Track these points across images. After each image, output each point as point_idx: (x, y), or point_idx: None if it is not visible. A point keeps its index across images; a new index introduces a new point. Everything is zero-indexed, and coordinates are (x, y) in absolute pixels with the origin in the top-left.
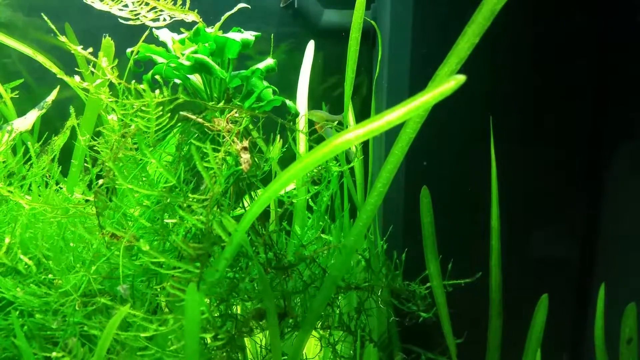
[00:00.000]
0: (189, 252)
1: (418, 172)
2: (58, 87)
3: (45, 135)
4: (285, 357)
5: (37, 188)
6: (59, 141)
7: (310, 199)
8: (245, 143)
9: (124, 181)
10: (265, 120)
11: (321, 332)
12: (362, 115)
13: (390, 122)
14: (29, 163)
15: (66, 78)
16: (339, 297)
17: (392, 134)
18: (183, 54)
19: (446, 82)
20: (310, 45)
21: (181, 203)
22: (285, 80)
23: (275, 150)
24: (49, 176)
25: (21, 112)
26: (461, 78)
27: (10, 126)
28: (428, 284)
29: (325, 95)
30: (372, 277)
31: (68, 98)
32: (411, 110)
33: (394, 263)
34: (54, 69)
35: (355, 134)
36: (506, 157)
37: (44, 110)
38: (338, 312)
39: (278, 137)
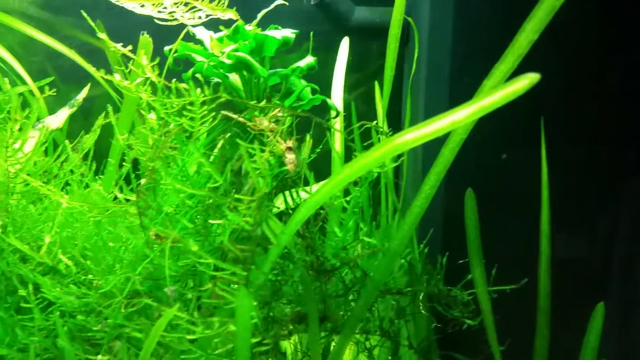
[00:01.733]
0: (236, 254)
1: (460, 173)
2: (89, 85)
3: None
4: None
5: (76, 187)
6: (90, 139)
7: (346, 202)
8: (290, 143)
9: (168, 180)
10: (296, 121)
11: (357, 336)
12: (390, 115)
13: (455, 122)
14: (58, 161)
15: (106, 77)
16: (377, 302)
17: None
18: (223, 52)
19: (518, 81)
20: (345, 43)
21: (228, 204)
22: (315, 79)
23: (306, 150)
24: (82, 175)
25: (50, 111)
26: (534, 76)
27: (42, 124)
28: (470, 290)
29: (356, 94)
30: (413, 281)
31: (93, 97)
32: (480, 109)
33: (436, 268)
34: (90, 68)
35: (415, 134)
36: (557, 158)
37: (74, 109)
38: (377, 316)
39: (309, 138)
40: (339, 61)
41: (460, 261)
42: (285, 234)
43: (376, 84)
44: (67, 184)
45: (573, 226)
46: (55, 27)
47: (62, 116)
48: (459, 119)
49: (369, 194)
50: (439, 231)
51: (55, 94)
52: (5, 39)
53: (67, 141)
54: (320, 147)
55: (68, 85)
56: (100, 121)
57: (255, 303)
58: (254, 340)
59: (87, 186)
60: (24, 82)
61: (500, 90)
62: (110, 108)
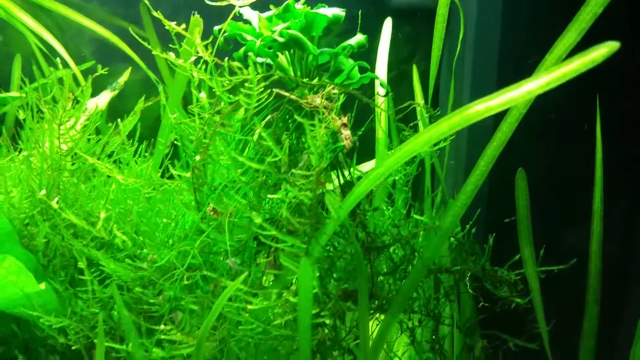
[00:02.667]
0: (295, 227)
1: (507, 152)
2: (130, 68)
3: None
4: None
5: (132, 163)
6: (130, 121)
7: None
8: (345, 119)
9: (225, 156)
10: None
11: (403, 316)
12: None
13: (531, 91)
14: (101, 142)
15: (163, 55)
16: (423, 281)
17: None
18: (273, 31)
19: (597, 49)
20: (388, 23)
21: (288, 178)
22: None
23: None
24: (133, 154)
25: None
26: (613, 44)
27: (85, 106)
28: (518, 270)
29: (398, 76)
30: (461, 260)
31: (131, 81)
32: (557, 78)
33: (485, 248)
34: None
35: (489, 104)
36: (612, 138)
37: (116, 91)
38: (424, 296)
39: (348, 115)
40: (383, 42)
41: (507, 242)
42: (343, 208)
43: (414, 67)
44: (114, 163)
45: (626, 208)
46: (94, 12)
47: (104, 99)
48: (534, 87)
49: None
50: (483, 211)
51: (105, 73)
52: (44, 23)
53: (118, 120)
54: (364, 127)
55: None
56: (141, 104)
57: (317, 274)
58: (314, 311)
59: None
60: (65, 65)
61: (579, 58)
62: (161, 88)
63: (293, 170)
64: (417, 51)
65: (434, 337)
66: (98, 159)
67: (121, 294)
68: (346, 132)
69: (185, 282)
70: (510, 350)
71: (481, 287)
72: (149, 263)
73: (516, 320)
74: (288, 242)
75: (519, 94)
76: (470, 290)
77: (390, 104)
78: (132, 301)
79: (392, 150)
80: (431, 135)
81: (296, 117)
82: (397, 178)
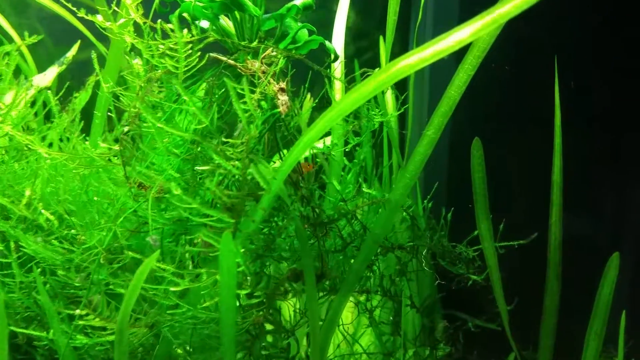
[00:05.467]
0: (224, 201)
1: (466, 120)
2: (79, 42)
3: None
4: (320, 323)
5: (58, 140)
6: (81, 97)
7: (345, 156)
8: (283, 84)
9: (154, 122)
10: (293, 74)
11: (357, 296)
12: None
13: (460, 40)
14: (48, 121)
15: (87, 17)
16: (378, 259)
17: (437, 81)
18: None
19: None
20: None
21: (215, 148)
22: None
23: (306, 106)
24: (70, 132)
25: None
26: None
27: (29, 82)
28: (476, 247)
29: (354, 53)
30: (416, 237)
31: (88, 57)
32: (486, 24)
33: (440, 222)
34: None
35: (418, 57)
36: (570, 103)
37: (63, 67)
38: (378, 274)
39: (309, 94)
40: (341, 5)
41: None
42: (276, 179)
43: (380, 37)
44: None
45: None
46: None
47: (50, 74)
48: (464, 36)
49: (372, 148)
50: (443, 185)
51: (39, 57)
52: None
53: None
54: (318, 98)
55: (61, 48)
56: (93, 78)
57: (241, 251)
58: (243, 292)
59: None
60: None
61: (508, 2)
62: (94, 55)
63: (224, 139)
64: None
65: (391, 318)
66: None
67: (48, 278)
68: (283, 98)
69: (116, 266)
70: (470, 330)
71: (439, 264)
72: (78, 245)
73: (478, 299)
74: (215, 216)
75: (449, 44)
76: (425, 268)
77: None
78: (59, 286)
79: (321, 115)
80: (360, 94)
81: (225, 80)
82: (347, 150)
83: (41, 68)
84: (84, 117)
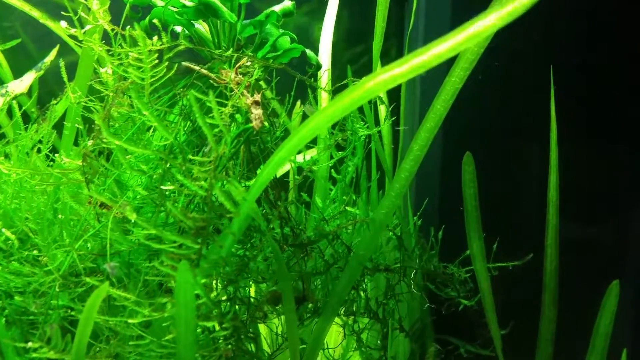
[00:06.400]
0: (188, 225)
1: (458, 135)
2: (57, 46)
3: (34, 99)
4: (304, 346)
5: (24, 154)
6: (59, 105)
7: (332, 168)
8: (257, 97)
9: (112, 139)
10: (281, 81)
11: (344, 318)
12: None
13: (439, 55)
14: (26, 129)
15: (51, 24)
16: (365, 280)
17: (428, 93)
18: None
19: (512, 3)
20: None
21: (181, 167)
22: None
23: (294, 114)
24: (41, 142)
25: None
26: None
27: (4, 89)
28: (469, 267)
29: (350, 58)
30: (405, 257)
31: (74, 62)
32: (468, 38)
33: (429, 242)
34: (35, 12)
35: (392, 73)
36: (568, 118)
37: (41, 72)
38: (364, 296)
39: (298, 102)
40: (328, 12)
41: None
42: (247, 200)
43: (374, 44)
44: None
45: (583, 197)
46: None
47: (27, 80)
48: (442, 50)
49: (361, 163)
50: (434, 202)
51: (19, 63)
52: None
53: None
54: (301, 109)
55: (45, 53)
56: (70, 86)
57: (205, 281)
58: (210, 324)
59: (40, 153)
60: None
61: (494, 11)
62: (62, 63)
63: (192, 157)
64: (388, 32)
65: (379, 342)
66: None
67: (9, 303)
68: (257, 112)
69: (80, 290)
70: (462, 356)
71: (431, 287)
72: (39, 267)
73: (471, 323)
74: (178, 242)
75: (424, 59)
76: (413, 290)
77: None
78: (19, 312)
79: (294, 131)
80: (334, 110)
81: (192, 92)
82: (329, 165)
83: (23, 73)
84: (57, 127)
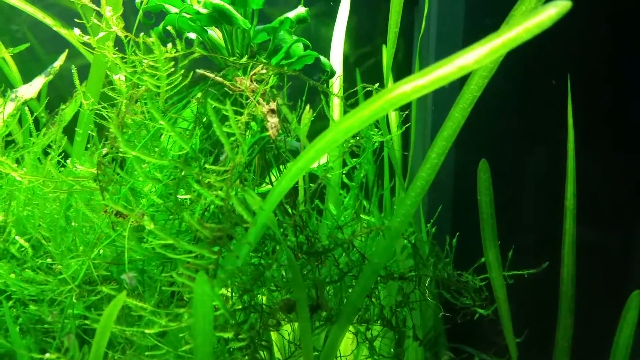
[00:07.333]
0: (205, 234)
1: (472, 142)
2: (66, 51)
3: (43, 103)
4: (317, 354)
5: (36, 160)
6: (68, 110)
7: (344, 175)
8: (273, 105)
9: (128, 148)
10: (291, 86)
11: (357, 326)
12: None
13: (463, 67)
14: (35, 134)
15: (64, 32)
16: (379, 288)
17: (440, 98)
18: (199, 2)
19: (545, 10)
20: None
21: (197, 176)
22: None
23: (304, 119)
24: (52, 148)
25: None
26: (564, 4)
27: (14, 94)
28: (483, 275)
29: (359, 62)
30: (419, 265)
31: (83, 66)
32: (494, 49)
33: (444, 250)
34: (48, 20)
35: (414, 84)
36: (585, 126)
37: (50, 77)
38: (378, 304)
39: (307, 106)
40: (340, 18)
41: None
42: (264, 210)
43: (384, 48)
44: (31, 157)
45: (600, 204)
46: None
47: (37, 85)
48: (468, 62)
49: (374, 169)
50: (448, 209)
51: (27, 67)
52: None
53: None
54: (314, 115)
55: (53, 57)
56: (81, 89)
57: (223, 291)
58: (226, 335)
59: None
60: None
61: (521, 22)
62: (74, 69)
63: (207, 166)
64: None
65: (392, 349)
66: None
67: (22, 312)
68: (273, 120)
69: (93, 298)
70: None
71: (445, 295)
72: (53, 275)
73: (485, 331)
74: (195, 252)
75: (450, 70)
76: (428, 298)
77: (360, 89)
78: (33, 320)
79: (311, 143)
80: (352, 123)
81: (209, 101)
82: (344, 171)
83: (31, 77)
84: (67, 132)
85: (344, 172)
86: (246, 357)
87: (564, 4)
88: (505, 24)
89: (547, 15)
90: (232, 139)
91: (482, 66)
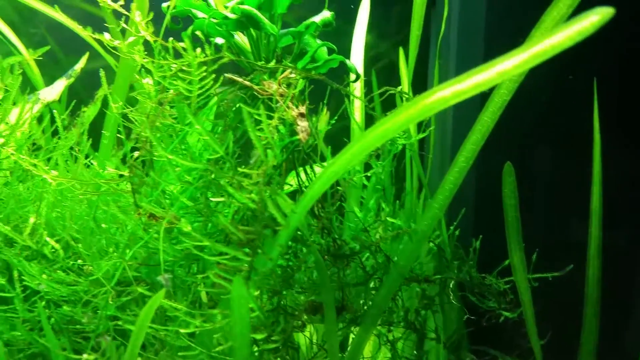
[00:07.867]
0: (239, 237)
1: (494, 144)
2: (87, 53)
3: (71, 106)
4: (341, 355)
5: (64, 162)
6: (89, 112)
7: (365, 178)
8: (302, 109)
9: (162, 151)
10: (311, 87)
11: (379, 328)
12: (415, 84)
13: (503, 72)
14: (56, 136)
15: (94, 37)
16: (402, 290)
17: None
18: (227, 7)
19: (586, 17)
20: (365, 2)
21: (229, 179)
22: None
23: (322, 122)
24: (78, 150)
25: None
26: (607, 11)
27: (36, 96)
28: (508, 278)
29: (377, 62)
30: (443, 268)
31: (99, 68)
32: (536, 55)
33: (468, 253)
34: (78, 28)
35: (453, 89)
36: (611, 129)
37: (72, 79)
38: (402, 307)
39: (325, 109)
40: (359, 22)
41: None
42: (296, 213)
43: (400, 49)
44: (61, 159)
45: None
46: None
47: (58, 88)
48: (507, 68)
49: (392, 171)
50: (470, 212)
51: (48, 68)
52: (4, 11)
53: (56, 113)
54: (336, 117)
55: (71, 58)
56: (102, 91)
57: (256, 293)
58: (259, 336)
59: (75, 161)
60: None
61: (562, 29)
62: (102, 73)
63: (239, 169)
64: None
65: (415, 352)
66: (37, 156)
67: (53, 312)
68: (303, 124)
69: (125, 299)
70: None
71: (466, 297)
72: (84, 276)
73: (509, 334)
74: (230, 254)
75: (488, 76)
76: (453, 301)
77: (375, 90)
78: (65, 320)
79: (346, 147)
80: (388, 127)
81: (241, 105)
82: (369, 174)
83: (50, 78)
84: (92, 134)
85: (368, 174)
86: (278, 359)
87: (607, 11)
88: (536, 30)
89: (589, 22)
90: (264, 142)
91: None
